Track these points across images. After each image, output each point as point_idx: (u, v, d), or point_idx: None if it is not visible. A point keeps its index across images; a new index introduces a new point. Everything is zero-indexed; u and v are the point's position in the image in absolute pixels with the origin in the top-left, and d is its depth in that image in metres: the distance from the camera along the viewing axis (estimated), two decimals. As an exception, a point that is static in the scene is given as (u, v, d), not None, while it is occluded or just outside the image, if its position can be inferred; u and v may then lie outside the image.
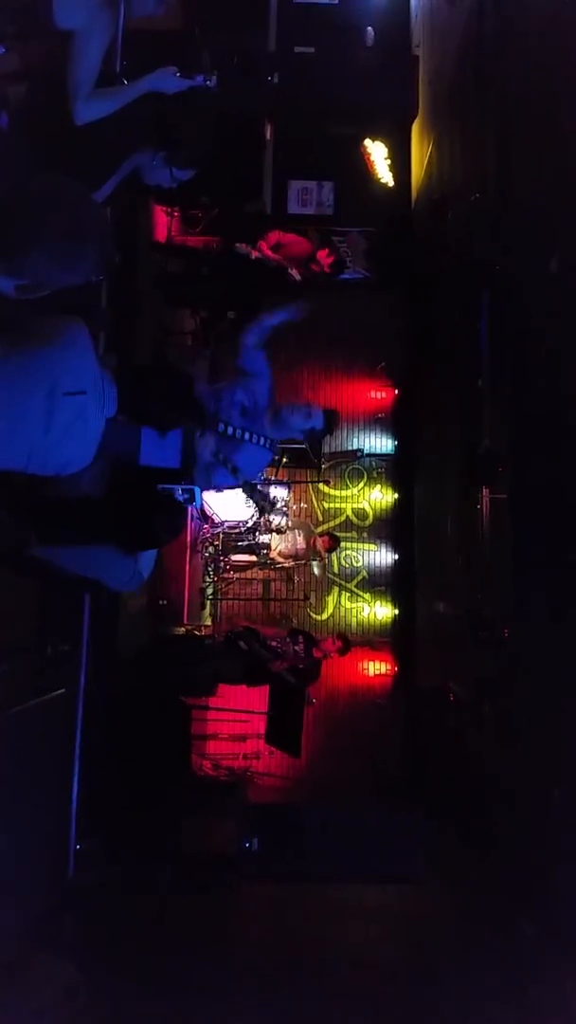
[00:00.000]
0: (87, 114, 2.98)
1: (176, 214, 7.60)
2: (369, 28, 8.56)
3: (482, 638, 4.89)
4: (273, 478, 7.76)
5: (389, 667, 8.10)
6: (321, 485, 8.31)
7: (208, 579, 7.38)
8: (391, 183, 8.64)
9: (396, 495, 8.45)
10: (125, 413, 2.50)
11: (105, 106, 3.00)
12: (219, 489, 3.89)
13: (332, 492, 8.48)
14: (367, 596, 8.32)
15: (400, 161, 8.67)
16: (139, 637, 6.03)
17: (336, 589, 8.30)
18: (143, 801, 5.41)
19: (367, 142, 8.42)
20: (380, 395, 8.74)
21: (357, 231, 8.89)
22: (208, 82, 3.06)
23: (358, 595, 8.32)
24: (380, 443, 8.71)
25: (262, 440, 3.63)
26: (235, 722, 7.38)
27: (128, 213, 6.30)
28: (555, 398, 3.91)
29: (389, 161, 8.54)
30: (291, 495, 7.94)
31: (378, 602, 8.29)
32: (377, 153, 8.48)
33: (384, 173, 8.58)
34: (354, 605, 8.23)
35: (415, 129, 8.53)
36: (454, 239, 6.23)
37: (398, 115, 8.28)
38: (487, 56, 5.33)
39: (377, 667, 8.12)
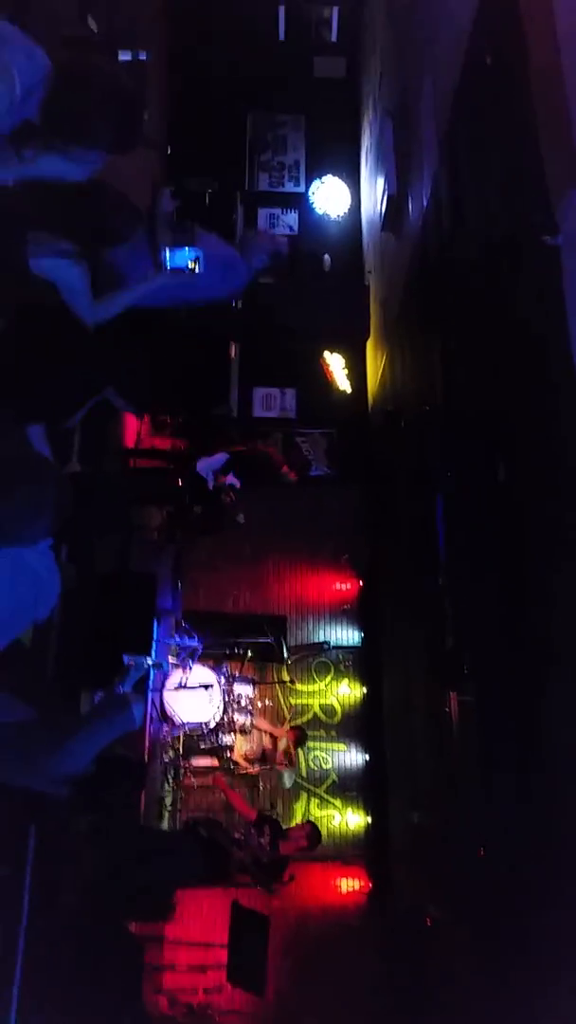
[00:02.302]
0: (98, 321, 3.24)
1: (145, 419, 7.92)
2: (326, 256, 9.47)
3: (457, 855, 4.58)
4: (238, 674, 7.57)
5: (362, 884, 7.52)
6: (287, 679, 8.09)
7: (167, 787, 6.96)
8: (349, 390, 9.19)
9: (364, 690, 8.24)
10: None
11: (110, 310, 3.25)
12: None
13: (298, 687, 8.25)
14: (338, 802, 7.86)
15: (357, 371, 9.29)
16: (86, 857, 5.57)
17: (305, 795, 7.85)
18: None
19: (326, 354, 9.04)
20: (345, 586, 8.77)
21: (319, 432, 9.34)
22: (195, 259, 3.31)
23: (328, 801, 7.87)
24: (346, 635, 8.62)
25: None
26: (194, 949, 6.71)
27: (98, 421, 6.55)
28: (514, 599, 3.91)
29: (346, 371, 9.14)
30: (256, 692, 7.71)
31: (349, 809, 7.82)
32: (335, 364, 9.08)
33: (342, 381, 9.16)
34: (324, 813, 7.76)
35: (371, 342, 9.18)
36: (408, 445, 6.51)
37: (353, 335, 8.95)
38: (430, 282, 5.83)
39: (350, 884, 7.53)
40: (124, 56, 5.70)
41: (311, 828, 6.28)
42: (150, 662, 2.89)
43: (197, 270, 3.25)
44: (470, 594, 4.69)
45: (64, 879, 5.04)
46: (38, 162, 2.33)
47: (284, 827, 6.26)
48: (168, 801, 7.01)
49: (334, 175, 9.90)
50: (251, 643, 7.75)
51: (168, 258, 3.28)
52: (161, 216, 3.62)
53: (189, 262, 3.29)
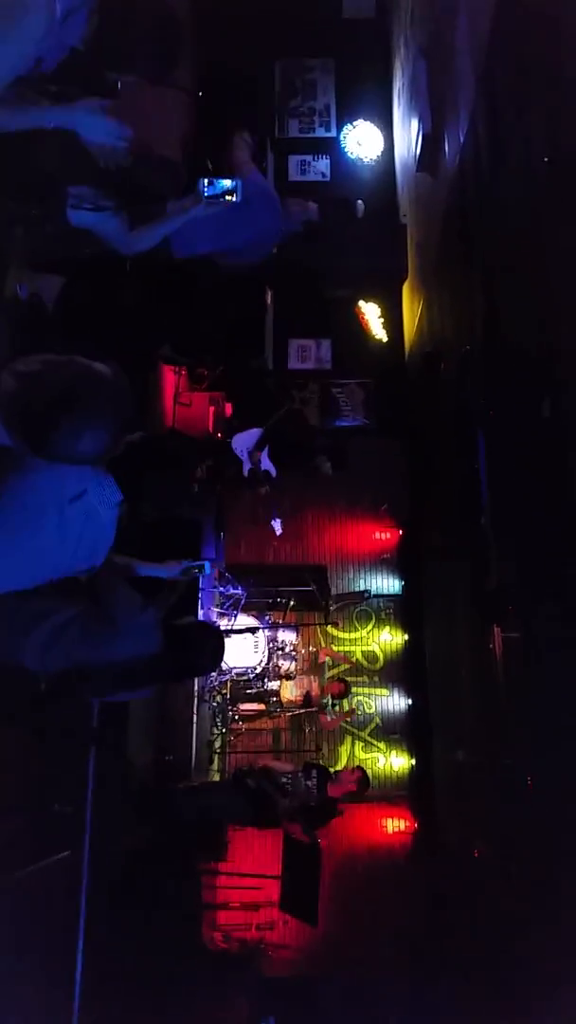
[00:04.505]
0: (136, 252, 3.35)
1: (183, 372, 7.97)
2: (359, 201, 9.32)
3: (504, 788, 4.67)
4: (281, 622, 7.69)
5: (408, 823, 7.69)
6: (330, 627, 8.20)
7: (216, 731, 7.15)
8: (385, 338, 9.11)
9: (406, 636, 8.33)
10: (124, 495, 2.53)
11: (147, 242, 3.34)
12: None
13: (341, 635, 8.36)
14: (382, 745, 8.02)
15: (393, 318, 9.19)
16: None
17: (349, 738, 8.01)
18: (152, 975, 5.02)
19: (361, 303, 8.95)
20: (385, 536, 8.81)
21: (355, 382, 9.30)
22: (235, 196, 3.34)
23: (372, 744, 8.02)
24: (387, 584, 8.68)
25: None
26: (247, 889, 6.93)
27: (140, 374, 6.62)
28: (558, 534, 3.93)
29: (383, 319, 9.05)
30: (300, 639, 7.84)
31: (393, 752, 7.97)
32: (371, 312, 9.00)
33: (378, 330, 9.08)
34: (369, 755, 7.92)
35: (407, 288, 9.07)
36: (448, 387, 6.48)
37: (390, 278, 8.85)
38: (469, 221, 5.74)
39: (396, 824, 7.70)
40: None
41: (361, 773, 6.30)
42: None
43: (235, 199, 3.25)
44: (513, 532, 4.70)
45: (123, 815, 5.24)
46: (73, 115, 2.38)
47: (333, 770, 6.36)
48: (217, 745, 7.21)
49: (366, 119, 9.70)
50: (293, 591, 7.86)
51: (205, 188, 3.27)
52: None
53: (227, 193, 3.28)
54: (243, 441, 6.56)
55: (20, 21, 2.06)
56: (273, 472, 6.70)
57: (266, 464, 6.79)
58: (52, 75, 2.37)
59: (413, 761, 7.86)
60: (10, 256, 3.28)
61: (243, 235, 3.70)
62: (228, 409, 8.54)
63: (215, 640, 2.92)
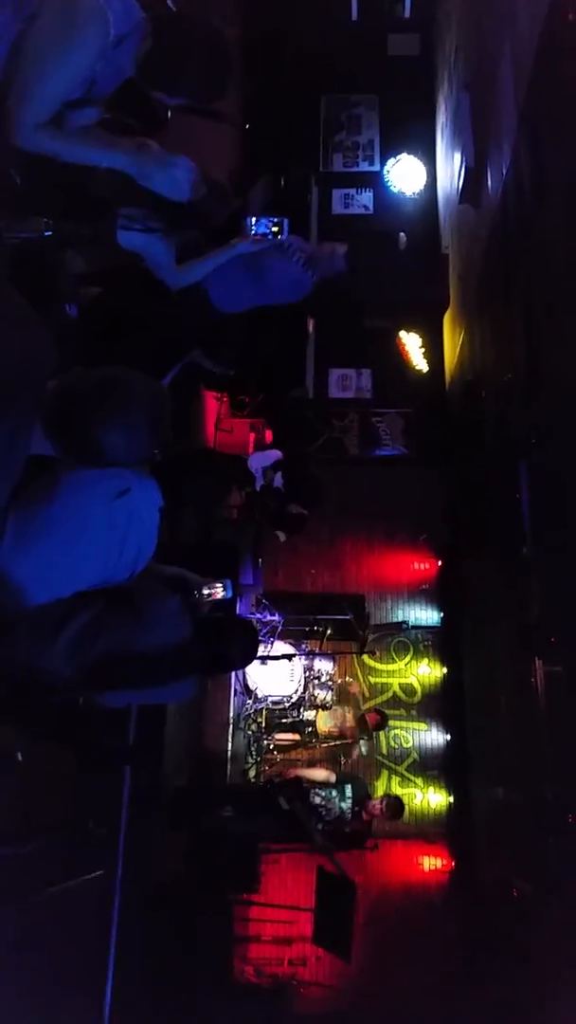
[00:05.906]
0: (180, 286, 3.40)
1: (225, 399, 8.04)
2: (402, 234, 9.40)
3: (544, 825, 4.54)
4: (317, 650, 7.63)
5: (445, 861, 7.50)
6: (366, 658, 8.10)
7: (250, 760, 7.08)
8: (426, 368, 9.12)
9: (445, 669, 8.19)
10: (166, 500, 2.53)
11: (193, 276, 3.42)
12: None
13: (378, 666, 8.26)
14: (419, 781, 7.85)
15: (434, 348, 9.21)
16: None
17: (386, 773, 7.87)
18: (181, 1007, 4.94)
19: (402, 333, 8.99)
20: (423, 566, 8.72)
21: (395, 411, 9.30)
22: (280, 233, 3.36)
23: (409, 780, 7.86)
24: (426, 615, 8.57)
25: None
26: (279, 923, 6.81)
27: (183, 399, 6.71)
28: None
29: (423, 349, 9.07)
30: (336, 669, 7.76)
31: (431, 788, 7.80)
32: (411, 343, 9.02)
33: (419, 360, 9.08)
34: (405, 791, 7.76)
35: (448, 319, 9.08)
36: (489, 416, 6.44)
37: (431, 308, 8.89)
38: (511, 251, 5.75)
39: (432, 861, 7.52)
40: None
41: (392, 799, 6.22)
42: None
43: (281, 236, 3.30)
44: (556, 561, 4.62)
45: (157, 841, 5.20)
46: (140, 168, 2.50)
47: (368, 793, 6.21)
48: (252, 774, 7.14)
49: (409, 153, 9.81)
50: (330, 620, 7.80)
51: (252, 225, 3.33)
52: (255, 205, 3.72)
53: (272, 227, 3.32)
54: (259, 460, 6.62)
55: (75, 40, 2.12)
56: (283, 490, 6.72)
57: (278, 482, 6.81)
58: (107, 100, 2.44)
59: (451, 798, 7.69)
60: (61, 276, 3.36)
61: (278, 287, 3.74)
62: (268, 436, 8.59)
63: (248, 633, 2.89)
